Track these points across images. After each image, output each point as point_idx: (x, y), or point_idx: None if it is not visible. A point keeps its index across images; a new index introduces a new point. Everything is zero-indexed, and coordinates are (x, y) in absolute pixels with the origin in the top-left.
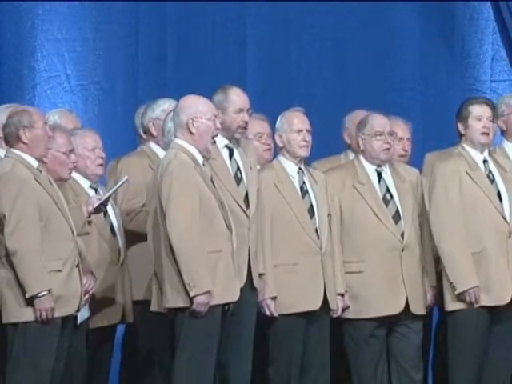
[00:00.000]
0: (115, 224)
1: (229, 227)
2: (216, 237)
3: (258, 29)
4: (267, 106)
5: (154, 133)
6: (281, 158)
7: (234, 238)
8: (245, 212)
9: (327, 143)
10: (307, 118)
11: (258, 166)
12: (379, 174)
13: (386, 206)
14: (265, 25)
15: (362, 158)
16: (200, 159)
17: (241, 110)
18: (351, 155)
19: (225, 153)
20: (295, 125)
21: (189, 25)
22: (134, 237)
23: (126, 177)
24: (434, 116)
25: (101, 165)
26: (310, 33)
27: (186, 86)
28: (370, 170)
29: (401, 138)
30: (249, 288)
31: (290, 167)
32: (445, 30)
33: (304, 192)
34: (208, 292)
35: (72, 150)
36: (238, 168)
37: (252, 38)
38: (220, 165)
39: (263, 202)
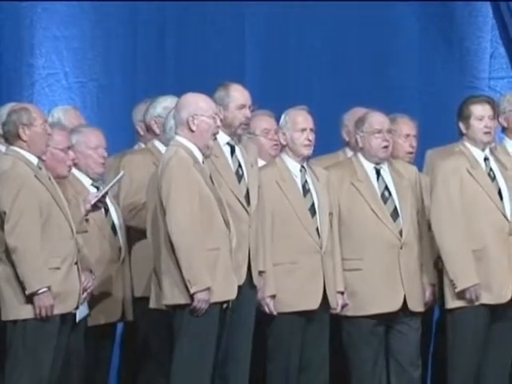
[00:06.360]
0: (116, 222)
1: (227, 225)
2: (215, 234)
3: (257, 28)
4: (266, 104)
5: (157, 130)
6: (284, 155)
7: (232, 235)
8: (245, 209)
9: (325, 140)
10: (311, 116)
11: (263, 162)
12: (378, 172)
13: (385, 203)
14: (264, 24)
15: (360, 156)
16: (199, 157)
17: (242, 106)
18: (349, 152)
19: (226, 150)
20: (299, 123)
21: (188, 23)
22: (135, 233)
23: (122, 172)
24: (432, 114)
25: (102, 163)
26: (310, 32)
27: (184, 83)
28: (369, 167)
29: (407, 135)
30: (248, 286)
31: (293, 165)
32: (444, 27)
33: (306, 190)
34: (208, 288)
35: (70, 147)
36: (240, 165)
37: (251, 37)
38: (222, 162)
39: (264, 200)
